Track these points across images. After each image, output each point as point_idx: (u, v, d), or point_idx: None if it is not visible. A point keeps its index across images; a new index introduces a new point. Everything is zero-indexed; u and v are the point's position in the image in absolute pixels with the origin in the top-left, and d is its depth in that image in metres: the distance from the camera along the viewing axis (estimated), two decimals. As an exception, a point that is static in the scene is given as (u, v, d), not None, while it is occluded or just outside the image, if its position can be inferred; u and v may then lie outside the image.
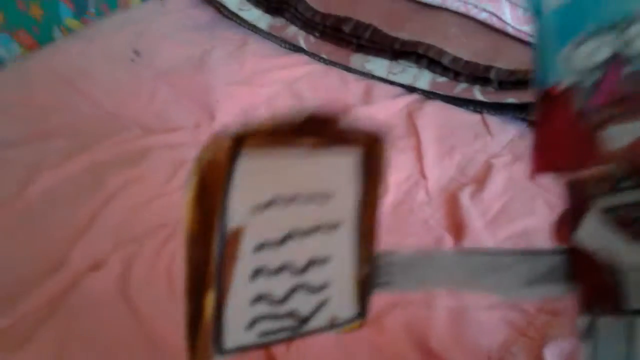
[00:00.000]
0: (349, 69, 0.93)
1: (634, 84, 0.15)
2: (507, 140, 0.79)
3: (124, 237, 0.61)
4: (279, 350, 0.51)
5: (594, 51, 0.16)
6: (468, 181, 0.72)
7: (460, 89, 0.86)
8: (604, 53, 0.15)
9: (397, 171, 0.73)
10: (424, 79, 0.88)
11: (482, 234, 0.64)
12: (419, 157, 0.76)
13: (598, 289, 0.20)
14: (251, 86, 0.89)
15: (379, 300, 0.56)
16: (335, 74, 0.93)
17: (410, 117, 0.84)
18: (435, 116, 0.84)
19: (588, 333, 0.21)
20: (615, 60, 0.15)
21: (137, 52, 0.94)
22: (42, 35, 0.96)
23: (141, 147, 0.76)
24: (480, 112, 0.84)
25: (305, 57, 0.95)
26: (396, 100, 0.87)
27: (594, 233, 0.19)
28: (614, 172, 0.17)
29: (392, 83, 0.90)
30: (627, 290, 0.19)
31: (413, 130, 0.81)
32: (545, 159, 0.19)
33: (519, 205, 0.68)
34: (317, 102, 0.86)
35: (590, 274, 0.20)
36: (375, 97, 0.88)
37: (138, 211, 0.64)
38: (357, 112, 0.84)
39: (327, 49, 0.94)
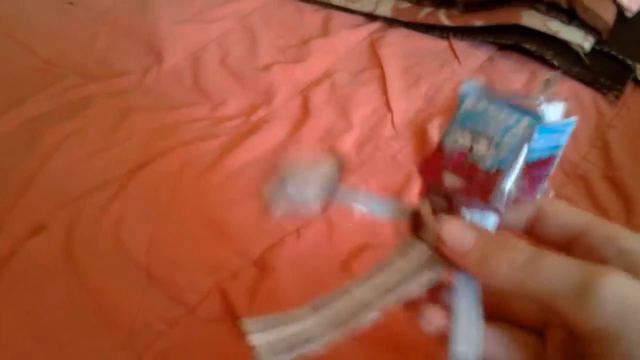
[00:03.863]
0: (305, -1, 0.87)
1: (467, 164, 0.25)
2: (476, 66, 0.75)
3: (65, 197, 0.55)
4: (241, 302, 0.48)
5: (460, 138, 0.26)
6: (436, 112, 0.68)
7: (424, 13, 0.80)
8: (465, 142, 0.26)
9: (362, 106, 0.69)
10: (386, 5, 0.82)
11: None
12: (384, 89, 0.71)
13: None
14: (200, 23, 0.82)
15: (350, 244, 0.53)
16: (290, 4, 0.87)
17: (373, 47, 0.78)
18: (399, 45, 0.78)
19: None
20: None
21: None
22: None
23: (82, 96, 0.69)
24: (447, 38, 0.79)
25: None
26: (357, 30, 0.81)
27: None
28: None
29: (351, 12, 0.84)
30: None
31: (376, 61, 0.76)
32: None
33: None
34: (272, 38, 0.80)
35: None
36: (334, 28, 0.82)
37: (79, 168, 0.59)
38: (314, 45, 0.78)
39: (280, -22, 0.87)
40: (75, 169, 0.59)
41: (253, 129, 0.65)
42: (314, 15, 0.85)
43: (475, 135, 0.25)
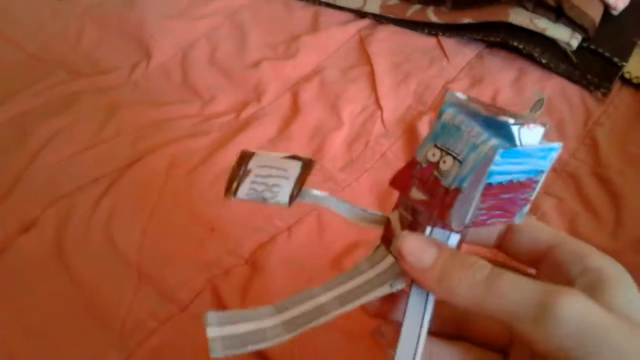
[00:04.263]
0: (293, -5, 0.86)
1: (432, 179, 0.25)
2: (464, 63, 0.75)
3: (55, 194, 0.55)
4: (232, 300, 0.48)
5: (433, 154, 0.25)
6: (426, 109, 0.68)
7: (412, 10, 0.81)
8: (435, 156, 0.25)
9: (351, 103, 0.69)
10: (374, 2, 0.82)
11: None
12: (373, 86, 0.71)
13: None
14: (188, 19, 0.82)
15: (341, 243, 0.53)
16: (279, 1, 0.86)
17: (362, 44, 0.78)
18: (388, 42, 0.79)
19: None
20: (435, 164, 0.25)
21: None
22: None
23: (69, 92, 0.69)
24: (436, 35, 0.79)
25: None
26: (346, 26, 0.81)
27: None
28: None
29: (340, 8, 0.84)
30: None
31: (365, 58, 0.76)
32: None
33: (480, 131, 0.65)
34: (261, 34, 0.80)
35: None
36: (323, 24, 0.82)
37: (69, 164, 0.58)
38: (304, 41, 0.78)
39: (268, -26, 0.87)
40: (65, 165, 0.58)
41: (243, 126, 0.65)
42: (303, 12, 0.85)
43: (445, 150, 0.25)
